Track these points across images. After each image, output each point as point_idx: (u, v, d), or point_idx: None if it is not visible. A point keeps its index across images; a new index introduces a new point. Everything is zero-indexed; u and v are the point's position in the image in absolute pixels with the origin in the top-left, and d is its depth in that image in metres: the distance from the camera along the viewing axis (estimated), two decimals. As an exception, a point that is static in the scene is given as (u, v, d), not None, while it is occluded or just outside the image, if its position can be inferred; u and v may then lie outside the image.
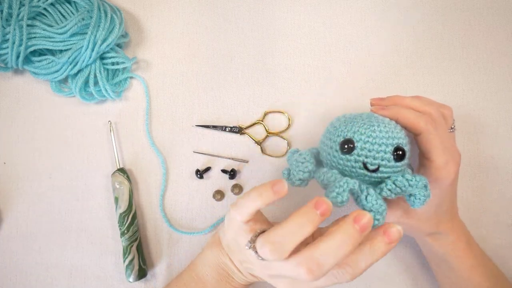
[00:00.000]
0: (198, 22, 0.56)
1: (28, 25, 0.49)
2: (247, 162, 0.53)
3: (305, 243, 0.31)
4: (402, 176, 0.36)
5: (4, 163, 0.53)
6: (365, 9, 0.56)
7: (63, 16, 0.51)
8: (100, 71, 0.51)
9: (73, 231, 0.52)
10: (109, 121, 0.53)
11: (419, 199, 0.37)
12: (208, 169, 0.52)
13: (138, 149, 0.53)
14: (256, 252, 0.32)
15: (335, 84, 0.54)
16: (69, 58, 0.49)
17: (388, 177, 0.37)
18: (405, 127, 0.40)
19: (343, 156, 0.37)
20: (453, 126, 0.45)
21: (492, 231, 0.52)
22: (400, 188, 0.36)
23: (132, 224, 0.50)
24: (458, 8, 0.56)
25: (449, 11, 0.56)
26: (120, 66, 0.52)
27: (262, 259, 0.32)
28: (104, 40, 0.49)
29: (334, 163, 0.38)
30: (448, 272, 0.45)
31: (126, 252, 0.49)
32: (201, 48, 0.55)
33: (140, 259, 0.49)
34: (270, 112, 0.54)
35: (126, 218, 0.49)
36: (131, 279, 0.48)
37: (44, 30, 0.49)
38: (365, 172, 0.37)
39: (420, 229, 0.43)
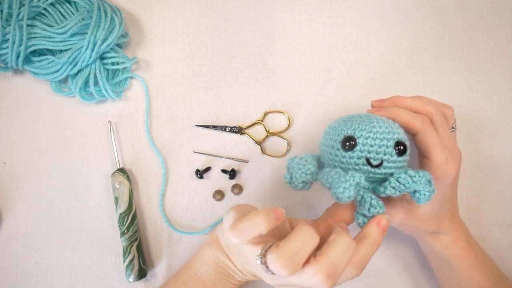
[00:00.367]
0: (198, 22, 0.56)
1: (28, 25, 0.49)
2: (247, 162, 0.53)
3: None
4: (405, 172, 0.36)
5: (4, 163, 0.53)
6: (365, 9, 0.56)
7: (63, 16, 0.51)
8: (100, 71, 0.51)
9: (73, 231, 0.52)
10: (109, 121, 0.53)
11: (424, 194, 0.37)
12: (208, 169, 0.52)
13: (138, 149, 0.53)
14: (267, 267, 0.32)
15: (335, 84, 0.54)
16: (69, 58, 0.49)
17: (391, 174, 0.37)
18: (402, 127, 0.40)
19: (346, 154, 0.38)
20: (454, 126, 0.45)
21: (492, 231, 0.52)
22: (404, 185, 0.36)
23: (132, 224, 0.50)
24: (458, 8, 0.56)
25: (449, 11, 0.56)
26: (120, 66, 0.52)
27: (273, 273, 0.32)
28: (104, 40, 0.49)
29: (337, 163, 0.38)
30: (449, 272, 0.45)
31: (126, 252, 0.49)
32: (201, 48, 0.55)
33: (140, 259, 0.49)
34: (270, 112, 0.54)
35: (126, 218, 0.49)
36: (131, 279, 0.48)
37: (44, 30, 0.49)
38: (369, 168, 0.37)
39: (422, 229, 0.43)
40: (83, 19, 0.49)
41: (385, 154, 0.37)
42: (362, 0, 0.56)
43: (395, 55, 0.55)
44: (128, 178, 0.51)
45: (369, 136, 0.37)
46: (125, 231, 0.49)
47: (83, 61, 0.49)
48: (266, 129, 0.53)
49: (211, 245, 0.42)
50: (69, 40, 0.49)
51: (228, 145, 0.53)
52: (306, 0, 0.56)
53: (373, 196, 0.37)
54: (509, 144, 0.53)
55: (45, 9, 0.50)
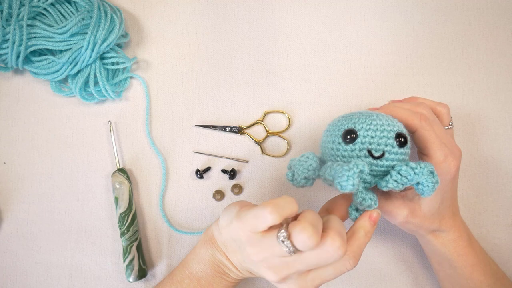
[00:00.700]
0: (198, 22, 0.56)
1: (28, 25, 0.49)
2: (247, 162, 0.53)
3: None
4: (406, 165, 0.36)
5: (4, 163, 0.53)
6: (365, 9, 0.56)
7: (63, 16, 0.51)
8: (100, 71, 0.51)
9: (73, 231, 0.52)
10: (109, 121, 0.53)
11: (427, 186, 0.36)
12: (208, 169, 0.52)
13: (138, 149, 0.53)
14: (291, 243, 0.33)
15: (335, 84, 0.54)
16: (69, 58, 0.49)
17: (393, 167, 0.37)
18: None
19: (347, 147, 0.38)
20: (450, 123, 0.45)
21: (492, 231, 0.52)
22: (406, 178, 0.36)
23: (132, 224, 0.50)
24: (458, 8, 0.56)
25: (449, 11, 0.56)
26: (120, 66, 0.52)
27: (296, 250, 0.33)
28: (104, 40, 0.49)
29: (339, 157, 0.39)
30: (450, 270, 0.45)
31: (126, 252, 0.49)
32: (201, 48, 0.55)
33: (140, 259, 0.49)
34: (270, 112, 0.54)
35: (126, 218, 0.49)
36: (131, 279, 0.48)
37: (44, 30, 0.49)
38: (371, 159, 0.37)
39: (424, 227, 0.43)
40: (83, 19, 0.49)
41: (386, 145, 0.37)
42: (362, 0, 0.56)
43: (395, 55, 0.55)
44: (128, 178, 0.51)
45: (369, 128, 0.37)
46: (125, 231, 0.49)
47: (83, 61, 0.49)
48: (266, 129, 0.53)
49: (206, 243, 0.42)
50: (69, 40, 0.49)
51: (228, 145, 0.53)
52: (306, 0, 0.56)
53: (367, 190, 0.38)
54: (509, 144, 0.53)
55: (45, 9, 0.50)
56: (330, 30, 0.56)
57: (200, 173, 0.52)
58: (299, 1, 0.56)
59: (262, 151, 0.53)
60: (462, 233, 0.44)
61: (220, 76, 0.55)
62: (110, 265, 0.51)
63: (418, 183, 0.37)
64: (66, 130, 0.54)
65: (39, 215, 0.52)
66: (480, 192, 0.53)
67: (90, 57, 0.49)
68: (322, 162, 0.41)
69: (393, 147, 0.37)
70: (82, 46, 0.49)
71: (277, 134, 0.53)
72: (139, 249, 0.50)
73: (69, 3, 0.51)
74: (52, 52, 0.51)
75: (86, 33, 0.49)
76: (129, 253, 0.49)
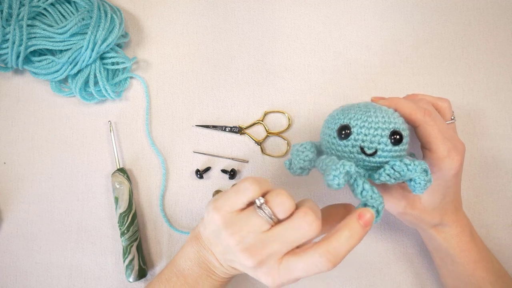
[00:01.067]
0: (198, 22, 0.56)
1: (28, 25, 0.49)
2: (247, 162, 0.53)
3: None
4: (401, 160, 0.37)
5: (4, 163, 0.53)
6: (365, 9, 0.56)
7: (63, 16, 0.51)
8: (100, 71, 0.51)
9: (73, 231, 0.52)
10: (109, 121, 0.53)
11: (419, 183, 0.37)
12: (208, 169, 0.52)
13: (138, 149, 0.53)
14: (269, 210, 0.35)
15: (335, 84, 0.54)
16: (69, 58, 0.49)
17: (387, 162, 0.37)
18: (404, 119, 0.41)
19: (341, 142, 0.38)
20: (453, 117, 0.45)
21: (492, 231, 0.52)
22: (399, 173, 0.37)
23: (132, 224, 0.50)
24: (458, 8, 0.56)
25: (449, 11, 0.56)
26: (120, 66, 0.52)
27: (271, 217, 0.35)
28: (104, 40, 0.49)
29: (334, 151, 0.39)
30: (452, 266, 0.45)
31: (126, 252, 0.49)
32: (201, 48, 0.55)
33: (140, 259, 0.49)
34: (270, 112, 0.54)
35: (126, 218, 0.49)
36: (131, 279, 0.48)
37: (44, 30, 0.49)
38: (363, 156, 0.38)
39: (425, 221, 0.43)
40: (83, 19, 0.49)
41: (379, 143, 0.37)
42: (362, 0, 0.56)
43: (395, 55, 0.55)
44: (128, 178, 0.51)
45: (363, 125, 0.37)
46: (125, 231, 0.49)
47: (83, 61, 0.49)
48: (266, 129, 0.53)
49: (193, 240, 0.42)
50: (69, 40, 0.49)
51: (228, 145, 0.53)
52: (306, 0, 0.56)
53: (367, 182, 0.37)
54: (509, 144, 0.53)
55: (45, 9, 0.50)
56: (330, 30, 0.56)
57: (200, 173, 0.52)
58: (299, 1, 0.56)
59: (262, 151, 0.53)
60: (465, 228, 0.44)
61: (220, 76, 0.55)
62: (110, 265, 0.51)
63: (410, 180, 0.37)
64: (66, 130, 0.54)
65: (39, 215, 0.52)
66: (480, 192, 0.53)
67: (90, 57, 0.49)
68: (320, 151, 0.42)
69: (386, 145, 0.37)
70: (82, 46, 0.49)
71: (277, 134, 0.53)
72: (139, 249, 0.50)
73: (69, 3, 0.51)
74: (52, 52, 0.51)
75: (86, 33, 0.49)
76: (129, 253, 0.49)
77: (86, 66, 0.51)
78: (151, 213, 0.52)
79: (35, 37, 0.49)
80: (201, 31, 0.56)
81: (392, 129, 0.37)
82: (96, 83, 0.51)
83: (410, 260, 0.51)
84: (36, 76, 0.52)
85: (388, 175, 0.37)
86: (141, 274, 0.49)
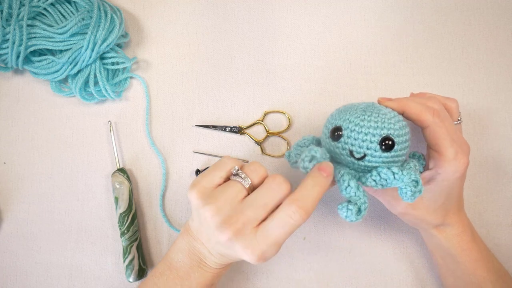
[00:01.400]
0: (198, 22, 0.56)
1: (28, 25, 0.49)
2: (247, 162, 0.53)
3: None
4: (388, 168, 0.37)
5: (4, 163, 0.53)
6: (365, 9, 0.56)
7: (63, 16, 0.51)
8: (100, 71, 0.51)
9: (73, 231, 0.52)
10: (109, 121, 0.53)
11: (406, 193, 0.37)
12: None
13: (138, 149, 0.53)
14: (244, 174, 0.38)
15: (335, 84, 0.54)
16: (69, 58, 0.49)
17: (376, 167, 0.37)
18: (412, 120, 0.41)
19: (333, 143, 0.39)
20: (459, 118, 0.45)
21: (492, 231, 0.52)
22: (385, 180, 0.37)
23: (132, 224, 0.50)
24: (458, 8, 0.56)
25: (449, 11, 0.56)
26: (120, 66, 0.52)
27: (244, 178, 0.38)
28: (104, 40, 0.49)
29: (327, 150, 0.40)
30: (453, 265, 0.45)
31: (126, 252, 0.49)
32: (201, 48, 0.55)
33: (140, 259, 0.49)
34: (270, 112, 0.54)
35: (126, 218, 0.49)
36: (131, 279, 0.48)
37: (44, 30, 0.49)
38: (352, 159, 0.38)
39: (426, 220, 0.43)
40: (83, 19, 0.49)
41: (368, 149, 0.37)
42: (362, 0, 0.56)
43: (395, 55, 0.55)
44: (128, 178, 0.51)
45: (354, 129, 0.38)
46: (125, 231, 0.49)
47: (83, 61, 0.49)
48: (266, 129, 0.53)
49: (183, 233, 0.42)
50: (69, 40, 0.49)
51: (228, 145, 0.53)
52: (306, 0, 0.56)
53: (353, 179, 0.37)
54: (509, 144, 0.53)
55: (45, 9, 0.50)
56: (330, 30, 0.56)
57: (200, 173, 0.52)
58: (299, 1, 0.56)
59: (262, 151, 0.53)
60: (466, 228, 0.44)
61: (220, 76, 0.55)
62: (110, 265, 0.51)
63: (399, 187, 0.37)
64: (66, 130, 0.54)
65: (39, 215, 0.52)
66: (480, 192, 0.53)
67: (90, 57, 0.49)
68: (321, 145, 0.43)
69: (375, 151, 0.37)
70: (82, 46, 0.49)
71: (277, 134, 0.53)
72: (139, 249, 0.50)
73: (69, 3, 0.51)
74: (52, 52, 0.51)
75: (86, 33, 0.49)
76: (129, 253, 0.49)
77: (86, 66, 0.51)
78: (151, 213, 0.52)
79: (35, 37, 0.49)
80: (201, 31, 0.56)
81: (383, 135, 0.37)
82: (96, 83, 0.51)
83: (410, 260, 0.51)
84: (36, 76, 0.52)
85: (374, 181, 0.37)
86: (141, 274, 0.49)
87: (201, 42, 0.55)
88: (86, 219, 0.52)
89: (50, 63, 0.50)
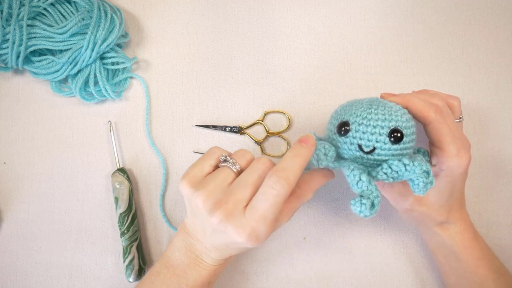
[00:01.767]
0: (198, 22, 0.56)
1: (28, 25, 0.49)
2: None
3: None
4: (399, 160, 0.36)
5: (4, 163, 0.53)
6: (365, 9, 0.56)
7: (63, 16, 0.51)
8: (100, 71, 0.51)
9: (73, 231, 0.52)
10: (109, 121, 0.53)
11: (418, 185, 0.36)
12: (208, 169, 0.52)
13: (138, 149, 0.53)
14: (232, 160, 0.40)
15: (335, 84, 0.54)
16: (69, 58, 0.49)
17: (386, 161, 0.37)
18: (414, 116, 0.41)
19: (340, 139, 0.38)
20: (461, 116, 0.45)
21: (492, 231, 0.52)
22: (397, 172, 0.36)
23: (132, 224, 0.50)
24: (458, 8, 0.56)
25: (449, 11, 0.56)
26: (120, 66, 0.52)
27: (233, 163, 0.39)
28: (104, 40, 0.49)
29: (335, 146, 0.39)
30: (455, 263, 0.45)
31: (126, 252, 0.49)
32: (201, 48, 0.55)
33: (140, 259, 0.49)
34: (270, 112, 0.54)
35: (126, 218, 0.49)
36: (131, 279, 0.48)
37: (44, 30, 0.49)
38: (361, 154, 0.37)
39: (431, 218, 0.43)
40: (83, 19, 0.49)
41: (377, 141, 0.37)
42: (362, 0, 0.56)
43: (395, 55, 0.55)
44: (128, 178, 0.51)
45: (362, 123, 0.37)
46: (125, 231, 0.49)
47: (83, 61, 0.49)
48: (266, 129, 0.53)
49: (180, 233, 0.42)
50: (69, 40, 0.49)
51: (228, 145, 0.53)
52: (306, 0, 0.56)
53: (364, 173, 0.37)
54: (509, 144, 0.53)
55: (45, 9, 0.50)
56: (330, 30, 0.56)
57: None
58: (299, 1, 0.56)
59: (262, 151, 0.53)
60: (468, 226, 0.45)
61: (220, 76, 0.55)
62: (110, 265, 0.51)
63: (411, 180, 0.37)
64: (66, 130, 0.54)
65: (39, 215, 0.52)
66: (480, 192, 0.53)
67: (90, 57, 0.49)
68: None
69: (385, 143, 0.37)
70: (82, 46, 0.49)
71: (277, 134, 0.53)
72: (139, 249, 0.50)
73: (69, 3, 0.51)
74: (52, 52, 0.51)
75: (86, 33, 0.49)
76: (129, 253, 0.49)
77: (86, 66, 0.51)
78: (151, 213, 0.52)
79: (35, 37, 0.49)
80: (201, 31, 0.56)
81: (392, 127, 0.37)
82: (96, 83, 0.51)
83: (410, 260, 0.51)
84: (36, 76, 0.52)
85: (386, 174, 0.37)
86: (141, 274, 0.49)
87: (201, 42, 0.55)
88: (86, 219, 0.52)
89: (50, 63, 0.50)
